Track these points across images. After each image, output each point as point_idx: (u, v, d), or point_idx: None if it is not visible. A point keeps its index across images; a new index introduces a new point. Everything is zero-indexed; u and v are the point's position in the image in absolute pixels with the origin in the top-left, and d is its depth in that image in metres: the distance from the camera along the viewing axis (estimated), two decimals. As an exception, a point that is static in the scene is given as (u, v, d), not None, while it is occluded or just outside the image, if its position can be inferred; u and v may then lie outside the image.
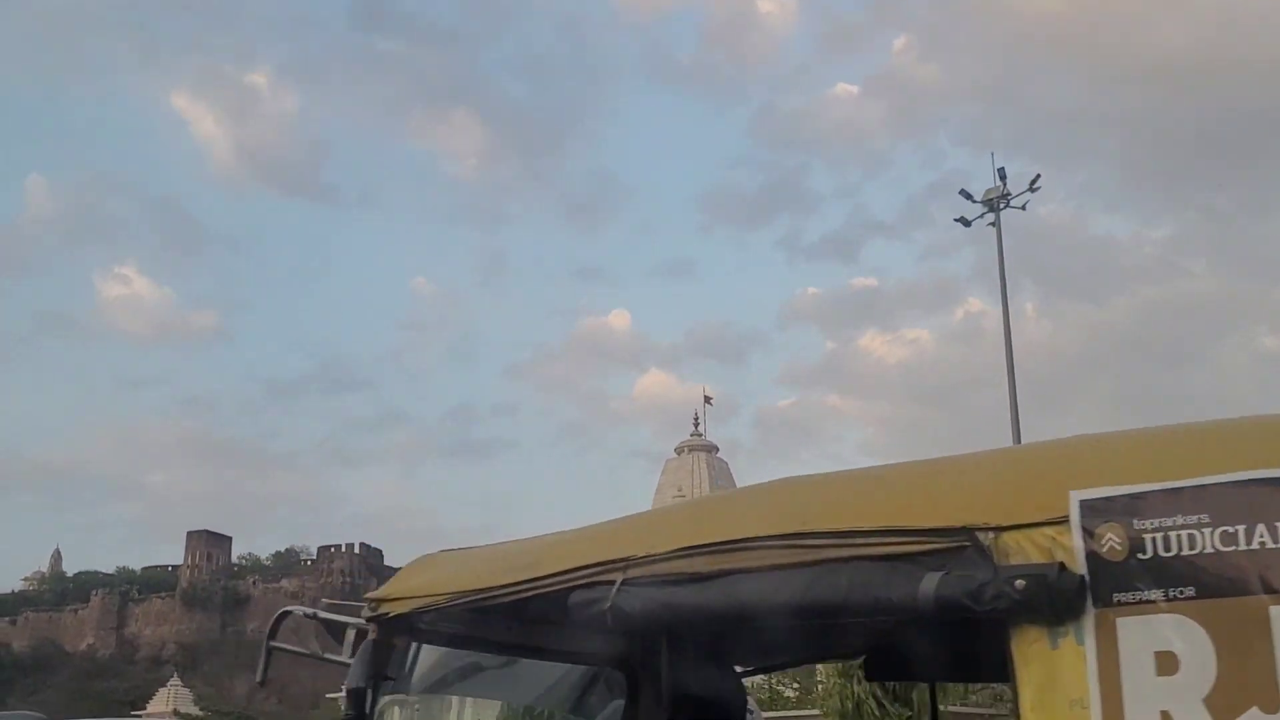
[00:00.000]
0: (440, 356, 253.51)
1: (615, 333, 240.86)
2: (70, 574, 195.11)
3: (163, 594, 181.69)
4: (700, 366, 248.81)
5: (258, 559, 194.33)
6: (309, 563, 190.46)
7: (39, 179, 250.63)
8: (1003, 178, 40.69)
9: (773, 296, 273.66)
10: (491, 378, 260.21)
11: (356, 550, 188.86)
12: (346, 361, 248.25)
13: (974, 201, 40.81)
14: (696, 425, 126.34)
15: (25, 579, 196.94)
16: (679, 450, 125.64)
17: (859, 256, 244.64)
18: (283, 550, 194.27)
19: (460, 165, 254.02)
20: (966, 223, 41.16)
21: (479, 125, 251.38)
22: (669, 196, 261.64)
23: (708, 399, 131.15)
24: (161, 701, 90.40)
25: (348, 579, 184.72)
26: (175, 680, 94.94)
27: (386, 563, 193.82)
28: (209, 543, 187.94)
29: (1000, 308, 39.65)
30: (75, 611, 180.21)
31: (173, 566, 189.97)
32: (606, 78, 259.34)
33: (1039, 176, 41.05)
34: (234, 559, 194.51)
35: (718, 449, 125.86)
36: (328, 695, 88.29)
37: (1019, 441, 38.07)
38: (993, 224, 40.79)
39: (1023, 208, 41.11)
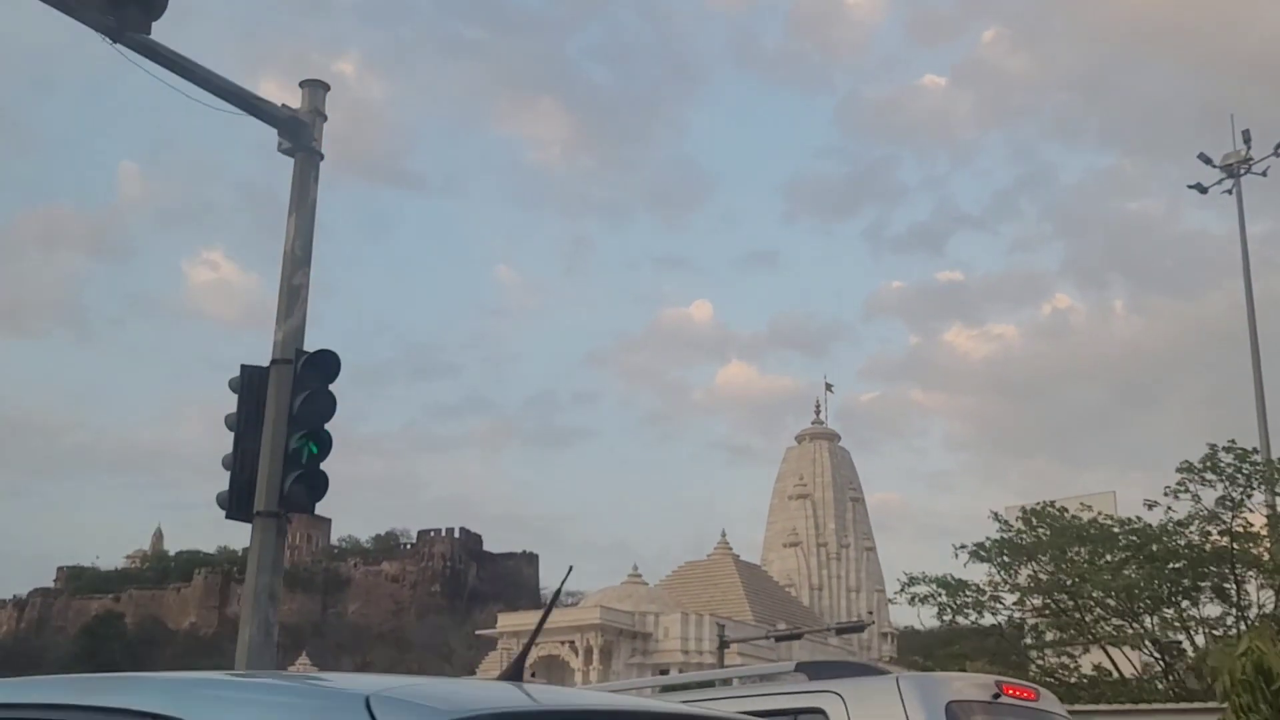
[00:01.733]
0: (522, 344, 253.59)
1: (697, 323, 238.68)
2: (172, 553, 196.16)
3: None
4: (783, 358, 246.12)
5: (357, 541, 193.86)
6: (409, 546, 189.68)
7: (131, 165, 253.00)
8: (1246, 141, 36.57)
9: (857, 288, 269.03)
10: (573, 366, 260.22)
11: (457, 535, 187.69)
12: (430, 348, 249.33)
13: (1213, 166, 36.81)
14: (818, 413, 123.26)
15: (128, 556, 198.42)
16: (799, 439, 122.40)
17: (945, 249, 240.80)
18: (382, 534, 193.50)
19: (545, 153, 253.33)
20: (1203, 189, 37.28)
21: (564, 113, 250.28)
22: (753, 186, 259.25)
23: (828, 386, 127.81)
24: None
25: (448, 564, 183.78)
26: (304, 659, 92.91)
27: (485, 548, 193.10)
28: (309, 524, 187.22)
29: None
30: (178, 590, 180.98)
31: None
32: (692, 66, 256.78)
33: (1287, 137, 36.78)
34: (333, 541, 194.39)
35: (839, 437, 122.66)
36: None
37: (1265, 432, 34.24)
38: (1229, 191, 36.64)
39: (1264, 173, 36.84)
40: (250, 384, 11.43)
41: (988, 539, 29.45)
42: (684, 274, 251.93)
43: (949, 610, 29.41)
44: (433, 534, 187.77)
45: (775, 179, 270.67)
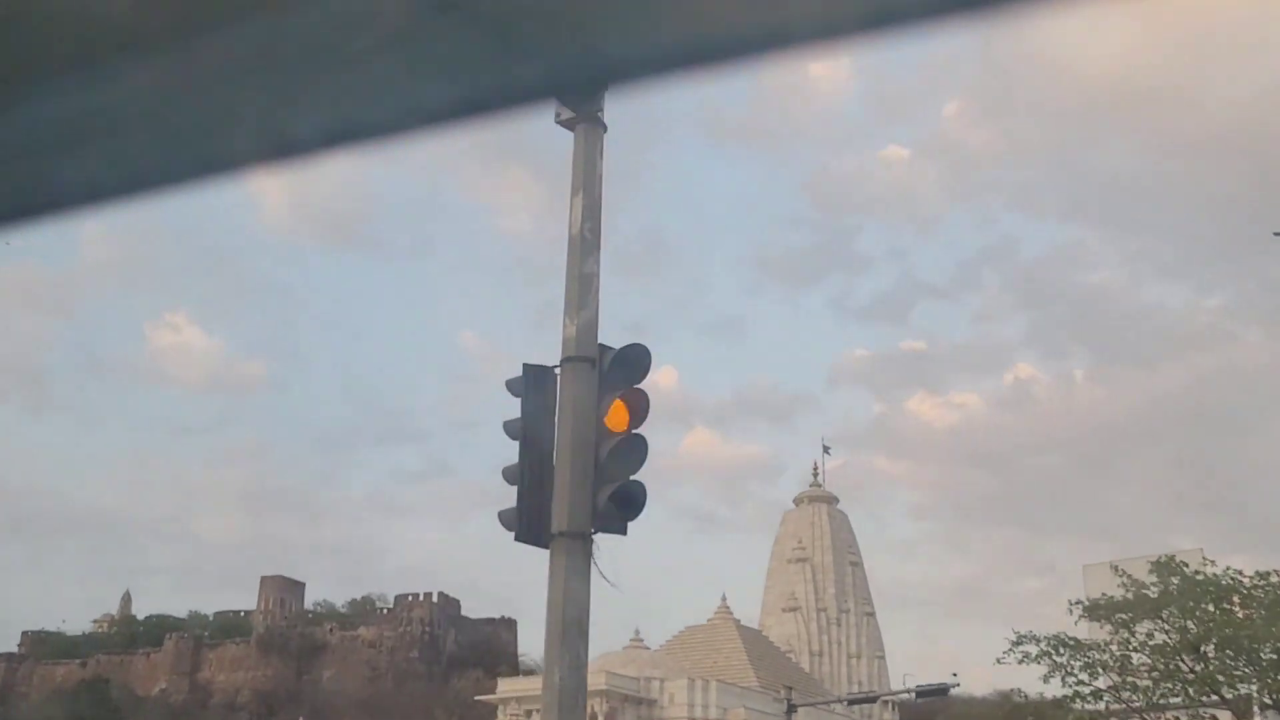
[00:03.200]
0: (487, 410, 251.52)
1: (662, 390, 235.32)
2: (140, 617, 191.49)
3: (237, 639, 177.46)
4: (748, 426, 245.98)
5: (333, 606, 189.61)
6: (385, 611, 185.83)
7: (94, 225, 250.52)
8: None
9: (821, 357, 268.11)
10: None
11: (435, 599, 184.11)
12: (395, 413, 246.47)
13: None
14: (816, 475, 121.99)
15: (96, 621, 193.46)
16: (798, 501, 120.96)
17: (909, 318, 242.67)
18: (358, 598, 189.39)
19: (513, 220, 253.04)
20: (1286, 232, 36.38)
21: (533, 180, 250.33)
22: (719, 254, 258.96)
23: (826, 449, 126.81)
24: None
25: (427, 629, 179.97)
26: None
27: (464, 613, 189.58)
28: (282, 588, 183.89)
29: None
30: (148, 655, 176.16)
31: (245, 611, 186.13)
32: (661, 136, 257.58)
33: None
34: (307, 605, 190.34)
35: (838, 500, 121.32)
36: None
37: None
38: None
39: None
40: (536, 386, 9.87)
41: (1104, 595, 28.14)
42: (649, 340, 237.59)
43: (1060, 670, 27.94)
44: (410, 598, 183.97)
45: (740, 248, 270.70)
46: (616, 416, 9.42)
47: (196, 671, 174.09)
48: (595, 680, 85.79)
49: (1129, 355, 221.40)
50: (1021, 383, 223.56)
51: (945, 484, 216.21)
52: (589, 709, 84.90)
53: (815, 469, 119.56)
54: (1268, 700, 26.17)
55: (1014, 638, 28.44)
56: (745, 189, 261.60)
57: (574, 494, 9.40)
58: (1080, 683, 27.41)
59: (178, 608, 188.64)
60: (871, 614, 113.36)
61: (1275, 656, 25.84)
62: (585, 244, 10.18)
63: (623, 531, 9.26)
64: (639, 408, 9.42)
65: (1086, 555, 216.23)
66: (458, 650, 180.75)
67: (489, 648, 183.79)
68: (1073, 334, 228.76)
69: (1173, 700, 28.00)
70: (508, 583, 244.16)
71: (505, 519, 9.71)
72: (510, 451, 9.99)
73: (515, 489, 9.66)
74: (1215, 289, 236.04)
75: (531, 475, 9.68)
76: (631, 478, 9.33)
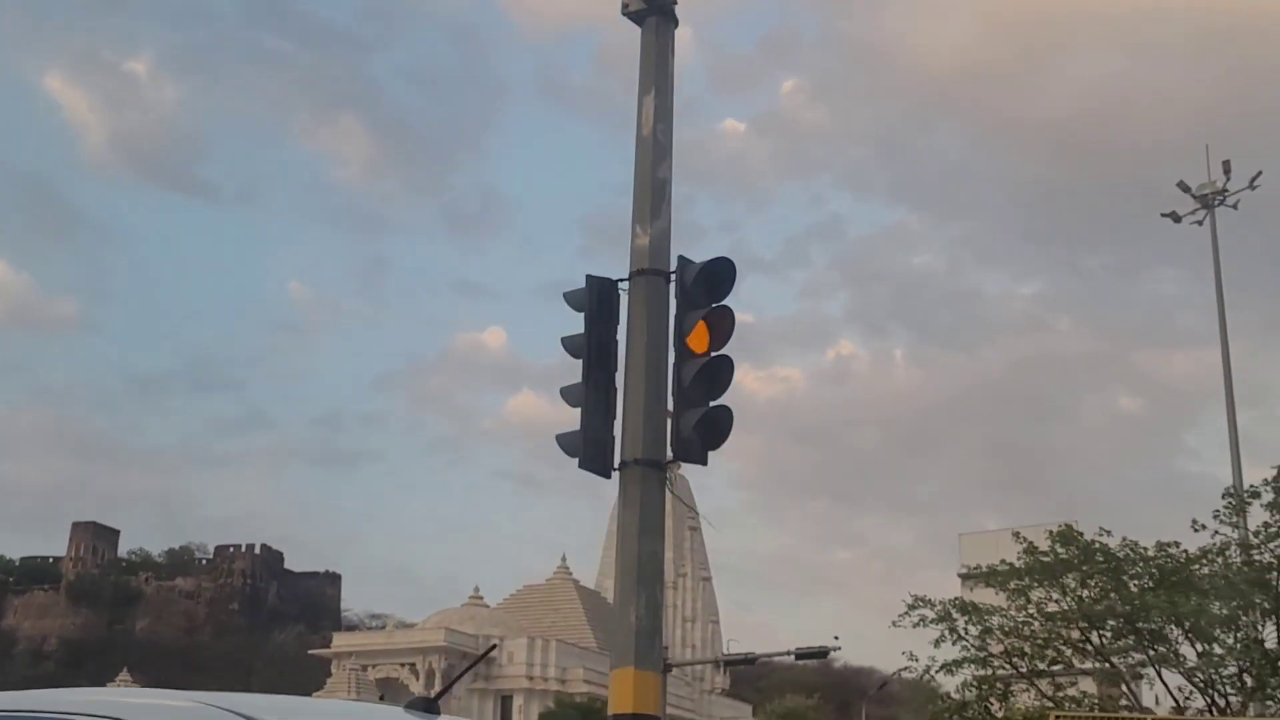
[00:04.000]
0: (310, 362, 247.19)
1: (490, 350, 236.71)
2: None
3: (45, 586, 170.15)
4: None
5: (149, 555, 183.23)
6: (204, 562, 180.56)
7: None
8: (1226, 172, 36.59)
9: None
10: (362, 387, 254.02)
11: (257, 551, 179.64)
12: (213, 361, 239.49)
13: (1191, 195, 36.70)
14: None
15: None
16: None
17: (737, 291, 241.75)
18: (176, 548, 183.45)
19: (344, 170, 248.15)
20: (1176, 218, 37.13)
21: (366, 131, 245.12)
22: (552, 217, 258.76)
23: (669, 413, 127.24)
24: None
25: (248, 581, 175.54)
26: (125, 675, 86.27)
27: (286, 566, 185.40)
28: (95, 535, 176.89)
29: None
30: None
31: (53, 558, 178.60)
32: (498, 94, 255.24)
33: (1260, 174, 37.00)
34: (121, 553, 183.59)
35: (679, 465, 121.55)
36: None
37: (1238, 467, 34.32)
38: (1200, 222, 36.67)
39: (1235, 206, 36.98)
40: (602, 300, 8.97)
41: (1003, 561, 28.38)
42: (480, 300, 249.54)
43: (956, 636, 28.11)
44: (232, 549, 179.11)
45: (574, 211, 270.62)
46: (699, 336, 8.59)
47: (0, 618, 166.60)
48: (433, 637, 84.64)
49: (947, 338, 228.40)
50: (843, 359, 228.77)
51: (765, 456, 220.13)
52: (426, 665, 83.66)
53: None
54: (1154, 669, 26.82)
55: (910, 601, 28.56)
56: (581, 152, 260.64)
57: (649, 419, 8.54)
58: (978, 648, 27.59)
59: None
60: (708, 579, 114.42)
61: (1154, 627, 26.41)
62: (657, 147, 9.28)
63: (703, 461, 8.46)
64: (724, 327, 8.61)
65: (897, 530, 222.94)
66: (279, 604, 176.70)
67: (312, 602, 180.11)
68: (894, 314, 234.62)
69: (1053, 668, 28.45)
70: (328, 537, 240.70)
71: (567, 444, 8.80)
72: (559, 374, 9.09)
73: (580, 412, 8.73)
74: (1031, 277, 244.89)
75: (597, 397, 8.79)
76: (715, 403, 8.52)
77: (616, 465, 8.76)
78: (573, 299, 9.15)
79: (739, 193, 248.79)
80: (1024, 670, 28.36)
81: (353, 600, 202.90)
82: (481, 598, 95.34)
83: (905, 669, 29.90)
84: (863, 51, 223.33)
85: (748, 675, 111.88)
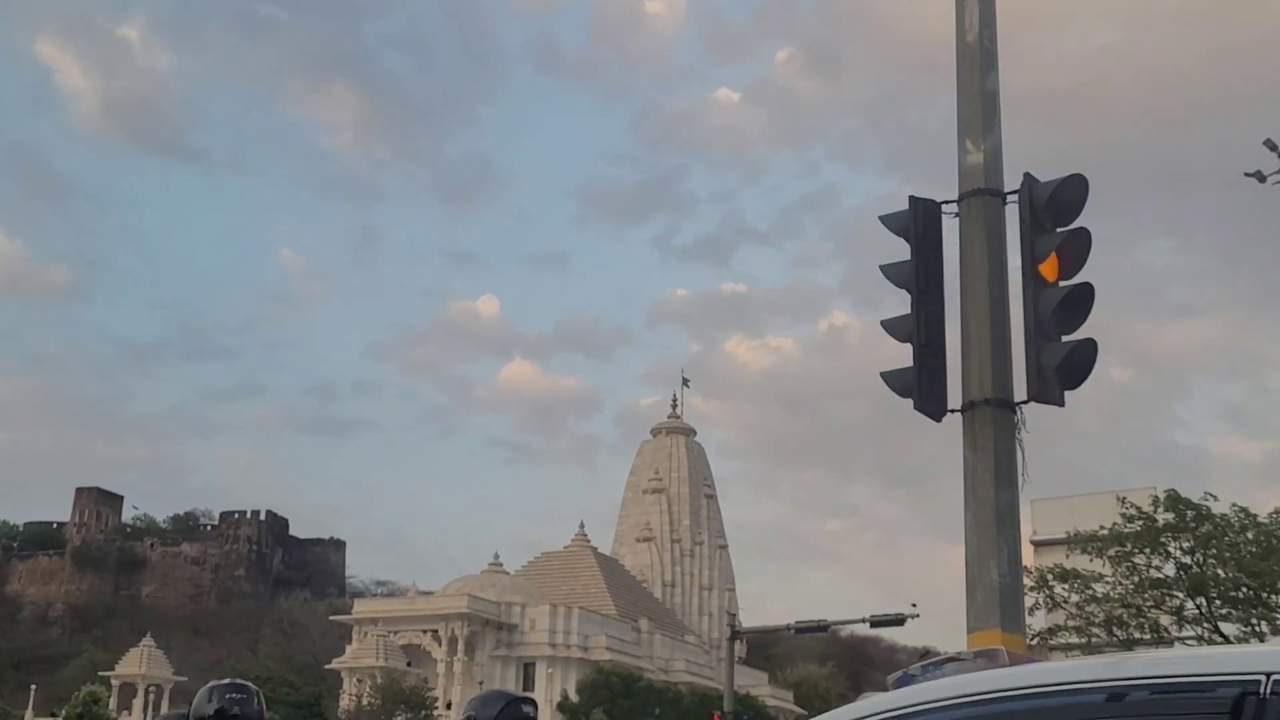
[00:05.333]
0: (303, 331, 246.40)
1: (483, 319, 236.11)
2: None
3: (50, 551, 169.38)
4: (567, 359, 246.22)
5: (153, 521, 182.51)
6: (209, 528, 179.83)
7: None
8: (1273, 147, 35.53)
9: (643, 294, 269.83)
10: (355, 356, 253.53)
11: (263, 517, 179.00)
12: (206, 329, 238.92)
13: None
14: (675, 407, 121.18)
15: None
16: (655, 432, 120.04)
17: (730, 262, 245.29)
18: (181, 514, 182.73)
19: (337, 138, 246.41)
20: (1261, 178, 36.16)
21: (359, 99, 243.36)
22: (546, 187, 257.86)
23: (685, 381, 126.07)
24: (134, 663, 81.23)
25: (254, 547, 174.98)
26: (149, 641, 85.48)
27: (291, 532, 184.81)
28: (99, 501, 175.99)
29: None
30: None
31: (58, 523, 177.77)
32: (491, 63, 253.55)
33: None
34: (125, 519, 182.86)
35: (695, 432, 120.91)
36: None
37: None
38: (1280, 179, 35.67)
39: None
40: (928, 224, 8.04)
41: (1102, 528, 27.59)
42: (473, 269, 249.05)
43: (1053, 604, 27.41)
44: (237, 516, 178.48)
45: (568, 181, 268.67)
46: (1052, 263, 7.67)
47: (4, 584, 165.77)
48: (456, 604, 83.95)
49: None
50: (836, 329, 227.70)
51: (757, 425, 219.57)
52: (449, 632, 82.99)
53: (674, 401, 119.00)
54: (1258, 639, 26.10)
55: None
56: (576, 122, 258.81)
57: (996, 355, 7.63)
58: (1080, 615, 26.86)
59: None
60: (725, 547, 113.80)
61: (1262, 594, 25.72)
62: (985, 55, 8.33)
63: (1060, 402, 7.55)
64: (1080, 252, 7.69)
65: (888, 500, 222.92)
66: (285, 570, 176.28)
67: (317, 568, 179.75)
68: (886, 285, 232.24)
69: (1148, 635, 27.75)
70: (322, 504, 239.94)
71: (896, 382, 7.90)
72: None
73: (913, 347, 7.82)
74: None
75: (930, 331, 7.88)
76: (1076, 337, 7.61)
77: (954, 407, 7.83)
78: (893, 222, 8.24)
79: (733, 162, 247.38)
80: (1121, 639, 27.66)
81: (360, 568, 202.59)
82: (501, 564, 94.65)
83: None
84: (857, 21, 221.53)
85: (758, 644, 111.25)
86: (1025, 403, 7.65)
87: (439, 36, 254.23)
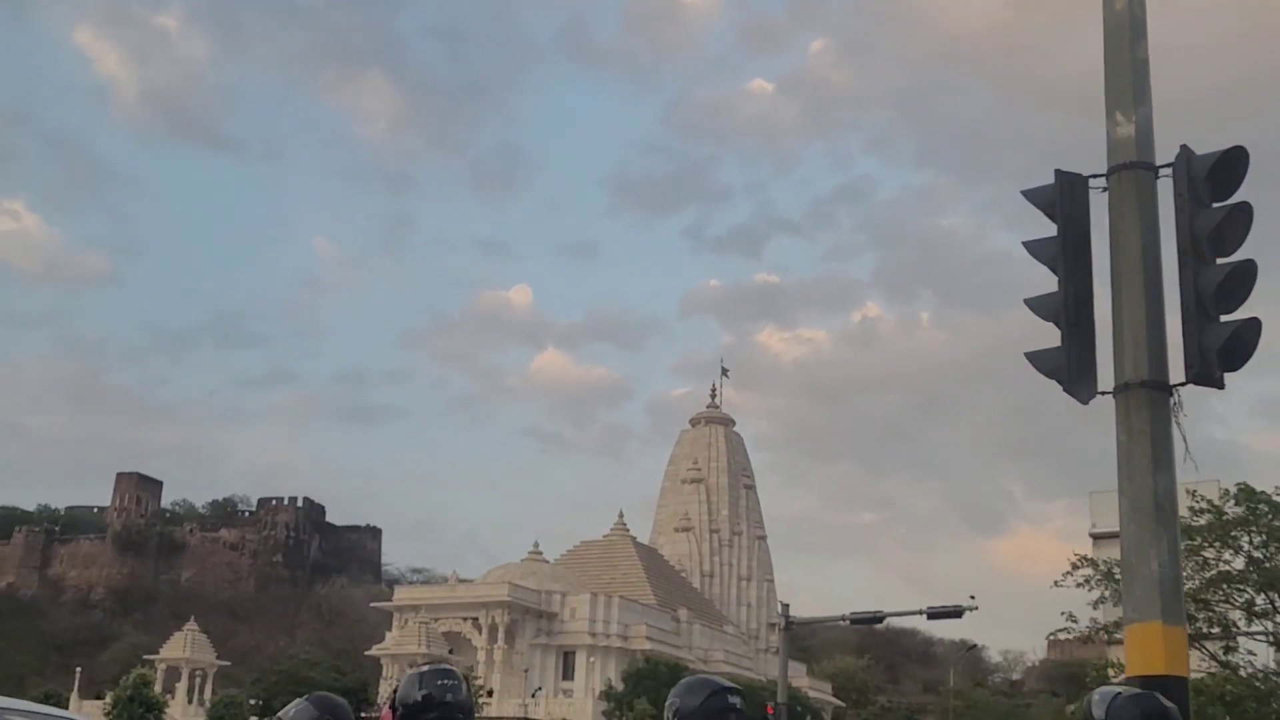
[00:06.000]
0: (335, 318, 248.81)
1: (515, 308, 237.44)
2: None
3: (91, 535, 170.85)
4: (598, 349, 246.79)
5: (192, 506, 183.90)
6: (247, 514, 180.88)
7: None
8: None
9: (674, 285, 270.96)
10: (386, 344, 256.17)
11: (300, 504, 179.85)
12: (239, 316, 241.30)
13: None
14: (714, 397, 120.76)
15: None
16: (694, 422, 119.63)
17: (762, 252, 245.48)
18: (220, 499, 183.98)
19: (369, 127, 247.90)
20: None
21: (392, 88, 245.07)
22: (578, 176, 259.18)
23: (725, 370, 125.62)
24: (178, 647, 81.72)
25: (291, 534, 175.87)
26: (192, 625, 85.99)
27: (329, 519, 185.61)
28: (139, 485, 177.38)
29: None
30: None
31: (98, 508, 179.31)
32: (524, 52, 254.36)
33: None
34: (164, 504, 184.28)
35: (734, 422, 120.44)
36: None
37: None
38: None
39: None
40: (1075, 199, 7.73)
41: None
42: (504, 259, 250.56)
43: (1116, 598, 26.91)
44: (275, 502, 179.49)
45: (600, 171, 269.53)
46: (1212, 239, 7.34)
47: (46, 567, 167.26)
48: (497, 591, 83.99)
49: (973, 301, 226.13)
50: (869, 321, 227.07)
51: (789, 417, 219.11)
52: (489, 620, 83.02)
53: (713, 390, 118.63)
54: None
55: (1074, 560, 27.56)
56: (607, 112, 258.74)
57: (1152, 336, 7.32)
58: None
59: (19, 500, 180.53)
60: (763, 537, 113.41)
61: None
62: (1134, 22, 7.97)
63: (1220, 384, 7.23)
64: (1240, 227, 7.36)
65: (920, 493, 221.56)
66: (321, 557, 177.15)
67: (353, 555, 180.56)
68: (920, 277, 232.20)
69: (1212, 631, 27.30)
70: (354, 492, 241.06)
71: (1043, 362, 7.59)
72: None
73: (1061, 328, 7.51)
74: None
75: (1079, 310, 7.57)
76: (1238, 317, 7.28)
77: (1104, 389, 7.51)
78: (1036, 196, 7.92)
79: (765, 153, 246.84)
80: (1190, 633, 27.19)
81: (395, 555, 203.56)
82: (541, 553, 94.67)
83: (1062, 630, 28.80)
84: (891, 12, 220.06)
85: (793, 635, 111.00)
86: (1183, 385, 7.32)
87: (471, 25, 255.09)
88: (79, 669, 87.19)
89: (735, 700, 4.21)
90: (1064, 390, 7.43)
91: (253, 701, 72.20)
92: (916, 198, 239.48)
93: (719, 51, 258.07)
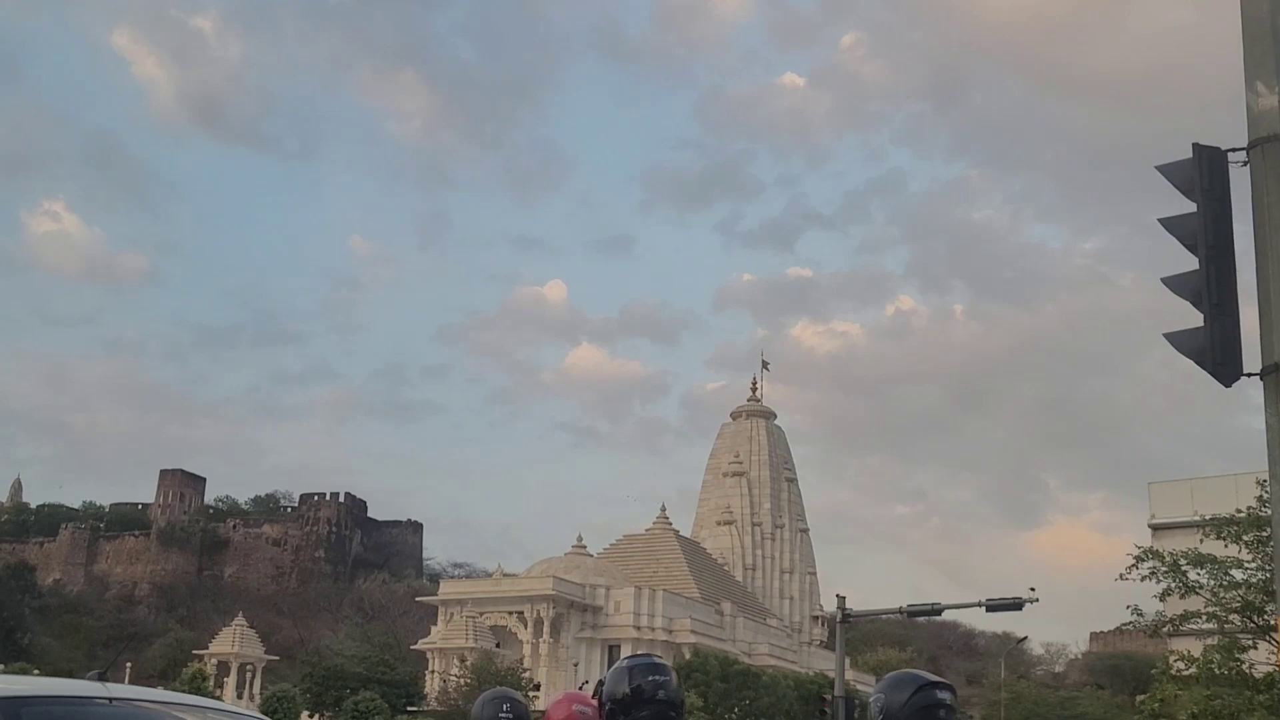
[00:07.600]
0: (373, 315, 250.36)
1: (550, 304, 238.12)
2: (33, 506, 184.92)
3: (136, 532, 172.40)
4: (632, 344, 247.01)
5: (235, 502, 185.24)
6: (290, 510, 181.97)
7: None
8: None
9: (708, 280, 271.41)
10: (423, 340, 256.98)
11: (341, 500, 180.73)
12: (277, 314, 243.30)
13: None
14: (755, 390, 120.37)
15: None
16: (735, 415, 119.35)
17: (795, 246, 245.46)
18: (262, 495, 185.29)
19: (405, 125, 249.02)
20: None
21: (426, 86, 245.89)
22: (611, 172, 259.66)
23: (765, 364, 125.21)
24: (226, 642, 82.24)
25: (333, 529, 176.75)
26: (240, 620, 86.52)
27: (370, 514, 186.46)
28: (182, 482, 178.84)
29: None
30: (41, 544, 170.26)
31: (142, 504, 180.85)
32: (557, 49, 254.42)
33: None
34: (208, 501, 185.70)
35: (775, 415, 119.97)
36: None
37: None
38: None
39: None
40: (1215, 175, 7.47)
41: (1239, 510, 26.72)
42: (539, 255, 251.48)
43: (1185, 590, 26.58)
44: (316, 498, 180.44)
45: (633, 167, 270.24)
46: (1363, 214, 7.09)
47: (92, 563, 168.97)
48: (542, 585, 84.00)
49: (1007, 293, 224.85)
50: (902, 314, 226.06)
51: (823, 410, 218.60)
52: (534, 614, 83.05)
53: (754, 384, 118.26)
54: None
55: (1137, 553, 27.14)
56: (640, 108, 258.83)
57: (1306, 313, 7.08)
58: (1214, 601, 26.03)
59: (65, 498, 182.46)
60: (805, 530, 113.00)
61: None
62: (1272, -4, 7.73)
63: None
64: (1393, 203, 7.12)
65: (955, 485, 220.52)
66: (363, 552, 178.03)
67: (395, 550, 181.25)
68: (953, 269, 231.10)
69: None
70: (392, 487, 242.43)
71: (1184, 343, 7.37)
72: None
73: (1204, 311, 7.29)
74: (1092, 232, 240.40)
75: (1222, 289, 7.34)
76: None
77: (1251, 371, 7.27)
78: (1173, 172, 7.68)
79: (797, 147, 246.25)
80: (1258, 624, 26.77)
81: (436, 550, 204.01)
82: (584, 547, 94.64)
83: (1128, 624, 28.44)
84: (921, 4, 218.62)
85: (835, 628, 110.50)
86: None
87: (505, 23, 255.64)
88: (128, 664, 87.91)
89: (945, 695, 4.03)
90: (1208, 370, 7.19)
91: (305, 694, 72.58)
92: (949, 190, 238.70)
93: (750, 46, 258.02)
